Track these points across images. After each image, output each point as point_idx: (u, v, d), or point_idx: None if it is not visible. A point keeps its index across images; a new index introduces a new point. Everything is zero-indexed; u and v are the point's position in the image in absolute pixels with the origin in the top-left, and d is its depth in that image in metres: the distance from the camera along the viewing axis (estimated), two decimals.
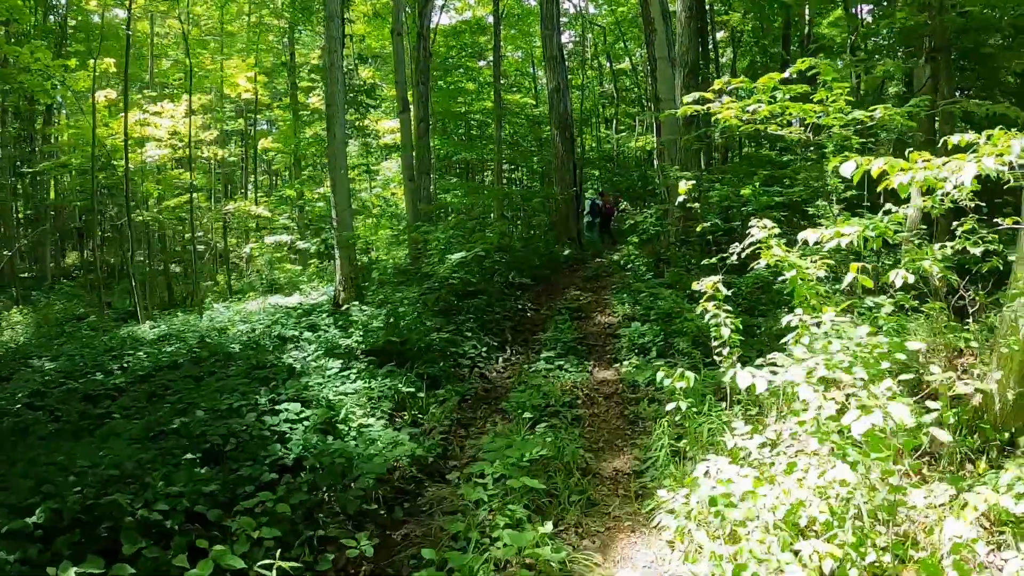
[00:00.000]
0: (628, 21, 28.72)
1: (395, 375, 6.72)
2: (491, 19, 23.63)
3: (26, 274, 24.60)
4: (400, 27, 16.65)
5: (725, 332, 4.90)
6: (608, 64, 31.06)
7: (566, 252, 14.19)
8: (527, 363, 8.03)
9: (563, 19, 27.61)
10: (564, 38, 27.48)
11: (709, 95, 6.11)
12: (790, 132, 6.74)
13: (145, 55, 21.67)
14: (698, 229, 10.69)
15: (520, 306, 10.57)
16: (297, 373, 6.51)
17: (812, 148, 10.52)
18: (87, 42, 19.47)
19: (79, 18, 21.12)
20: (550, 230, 17.57)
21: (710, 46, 20.21)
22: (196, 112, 17.65)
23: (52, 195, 25.15)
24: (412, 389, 6.41)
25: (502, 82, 25.30)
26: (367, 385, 6.36)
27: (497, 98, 22.75)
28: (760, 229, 4.95)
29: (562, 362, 7.68)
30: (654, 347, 7.57)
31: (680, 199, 6.54)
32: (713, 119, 6.72)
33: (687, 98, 6.09)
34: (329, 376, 6.44)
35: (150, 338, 11.03)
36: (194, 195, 17.55)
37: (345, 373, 6.67)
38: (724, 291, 5.01)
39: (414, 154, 16.66)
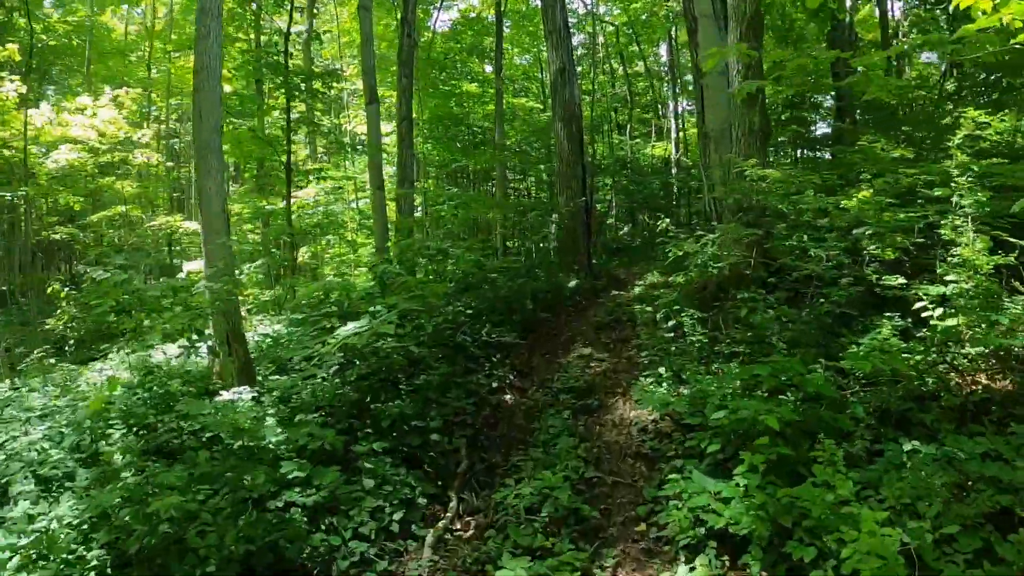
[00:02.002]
0: (641, 22, 24.29)
1: None
2: (494, 17, 19.45)
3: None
4: (368, 0, 12.36)
5: None
6: (621, 67, 26.50)
7: (572, 283, 9.67)
8: (483, 553, 3.60)
9: (572, 19, 23.21)
10: (574, 40, 23.09)
11: None
12: None
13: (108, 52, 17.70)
14: (776, 261, 6.22)
15: (494, 385, 6.08)
16: None
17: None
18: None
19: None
20: (556, 248, 13.13)
21: None
22: (125, 108, 13.48)
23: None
24: None
25: (509, 84, 20.98)
26: None
27: (499, 97, 18.44)
28: None
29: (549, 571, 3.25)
30: (755, 545, 3.13)
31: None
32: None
33: None
34: None
35: None
36: (124, 207, 13.34)
37: None
38: None
39: (383, 157, 12.44)
